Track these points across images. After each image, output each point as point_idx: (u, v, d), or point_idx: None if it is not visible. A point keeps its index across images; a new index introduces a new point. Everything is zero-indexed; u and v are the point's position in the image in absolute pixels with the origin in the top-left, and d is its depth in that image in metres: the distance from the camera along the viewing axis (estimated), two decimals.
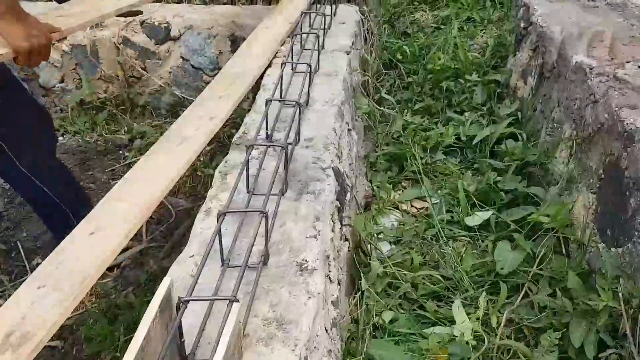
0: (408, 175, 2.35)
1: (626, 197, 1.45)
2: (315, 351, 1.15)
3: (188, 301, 0.92)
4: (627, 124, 1.48)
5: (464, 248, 1.86)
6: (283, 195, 1.44)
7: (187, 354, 0.95)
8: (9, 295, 1.90)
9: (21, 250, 2.09)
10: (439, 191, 2.25)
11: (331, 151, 1.67)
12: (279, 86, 1.86)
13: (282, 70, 1.87)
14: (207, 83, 2.91)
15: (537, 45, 2.31)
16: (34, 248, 2.12)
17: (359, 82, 2.63)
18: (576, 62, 1.90)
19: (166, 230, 2.17)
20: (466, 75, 2.67)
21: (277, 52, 2.37)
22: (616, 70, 1.73)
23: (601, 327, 1.40)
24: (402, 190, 2.31)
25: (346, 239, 1.78)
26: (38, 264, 2.07)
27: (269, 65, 2.29)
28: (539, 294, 1.58)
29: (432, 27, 3.41)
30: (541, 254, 1.66)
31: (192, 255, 1.24)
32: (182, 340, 0.92)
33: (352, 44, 2.54)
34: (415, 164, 2.34)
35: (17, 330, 1.05)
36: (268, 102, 1.64)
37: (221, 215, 1.14)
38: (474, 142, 2.36)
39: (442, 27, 3.40)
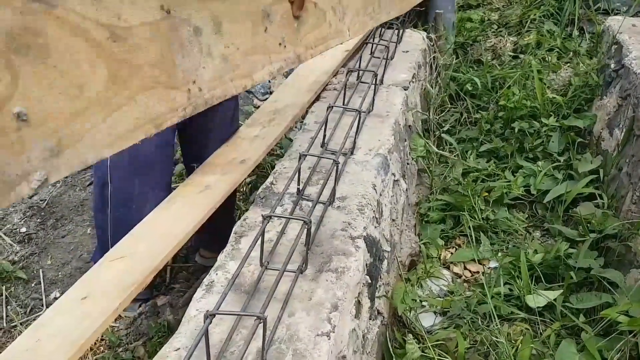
0: (464, 230, 2.07)
1: None
2: None
3: None
4: None
5: (522, 335, 1.57)
6: (302, 272, 1.23)
7: None
8: (19, 333, 1.80)
9: (42, 281, 2.00)
10: (499, 254, 1.96)
11: (366, 214, 1.44)
12: (321, 132, 1.65)
13: (328, 114, 1.65)
14: (258, 107, 2.77)
15: (629, 94, 1.97)
16: (55, 279, 2.02)
17: (419, 119, 2.38)
18: None
19: (192, 271, 2.01)
20: (542, 118, 2.34)
21: (327, 84, 2.17)
22: None
23: None
24: (456, 248, 2.04)
25: (379, 314, 1.55)
26: (56, 299, 1.97)
27: (317, 98, 2.09)
28: None
29: (509, 55, 3.08)
30: None
31: (178, 349, 1.05)
32: None
33: (414, 76, 2.30)
34: (474, 218, 2.06)
35: None
36: (302, 157, 1.43)
37: (208, 317, 0.94)
38: (545, 200, 2.05)
39: (522, 55, 3.07)
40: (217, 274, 1.23)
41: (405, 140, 2.06)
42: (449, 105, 2.70)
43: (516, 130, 2.40)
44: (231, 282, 1.07)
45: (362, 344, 1.34)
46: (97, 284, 1.24)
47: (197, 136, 1.82)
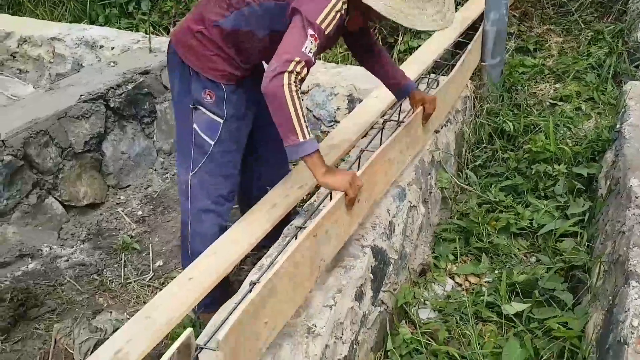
0: (472, 250, 2.58)
1: (611, 332, 1.60)
2: None
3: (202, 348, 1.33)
4: (630, 264, 1.63)
5: (489, 333, 2.09)
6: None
7: None
8: (133, 290, 2.53)
9: (150, 252, 2.73)
10: (496, 271, 2.46)
11: (377, 230, 2.02)
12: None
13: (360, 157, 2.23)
14: (324, 132, 3.39)
15: (617, 155, 2.40)
16: (160, 252, 2.75)
17: (454, 155, 2.89)
18: (630, 185, 2.01)
19: None
20: (555, 165, 2.79)
21: (375, 124, 2.74)
22: None
23: None
24: (462, 263, 2.55)
25: (382, 303, 2.11)
26: (159, 266, 2.71)
27: (365, 135, 2.67)
28: None
29: (549, 102, 3.50)
30: (544, 357, 1.85)
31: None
32: None
33: (448, 121, 2.82)
34: (481, 241, 2.56)
35: None
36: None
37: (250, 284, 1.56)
38: (539, 233, 2.52)
39: (560, 103, 3.48)
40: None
41: (429, 174, 2.60)
42: (484, 144, 3.18)
43: (533, 172, 2.87)
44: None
45: (361, 320, 1.91)
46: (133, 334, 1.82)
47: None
